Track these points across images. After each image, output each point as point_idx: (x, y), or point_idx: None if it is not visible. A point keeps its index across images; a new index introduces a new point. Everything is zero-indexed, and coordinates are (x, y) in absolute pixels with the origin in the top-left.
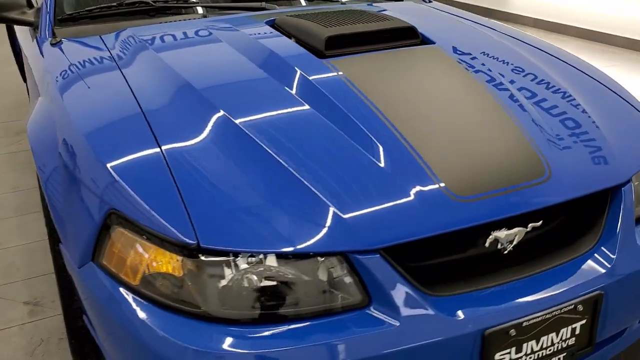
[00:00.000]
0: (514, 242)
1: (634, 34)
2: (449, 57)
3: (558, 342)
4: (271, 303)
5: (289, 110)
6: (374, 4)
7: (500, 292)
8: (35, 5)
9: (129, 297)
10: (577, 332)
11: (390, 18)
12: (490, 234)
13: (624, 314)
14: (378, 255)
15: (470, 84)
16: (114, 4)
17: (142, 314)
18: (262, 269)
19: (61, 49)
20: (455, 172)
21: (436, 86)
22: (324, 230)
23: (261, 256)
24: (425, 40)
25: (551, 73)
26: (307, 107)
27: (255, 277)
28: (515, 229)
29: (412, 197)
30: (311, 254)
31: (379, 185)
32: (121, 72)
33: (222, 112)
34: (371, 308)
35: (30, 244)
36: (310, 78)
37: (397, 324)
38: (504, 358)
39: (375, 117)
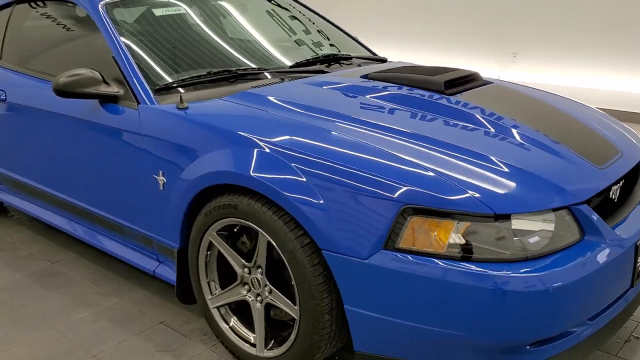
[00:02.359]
0: (617, 194)
1: None
2: (512, 88)
3: None
4: (533, 245)
5: (446, 125)
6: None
7: (631, 219)
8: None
9: (441, 261)
10: None
11: (456, 68)
12: (611, 189)
13: None
14: (586, 205)
15: (541, 104)
16: (204, 73)
17: (459, 268)
18: (525, 224)
19: (199, 111)
20: (588, 153)
21: (527, 106)
22: (555, 193)
23: (519, 215)
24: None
25: (567, 104)
26: (456, 121)
27: (518, 229)
28: (617, 185)
29: (580, 169)
30: (551, 209)
31: (559, 164)
32: (286, 116)
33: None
34: (585, 238)
35: (98, 312)
36: (450, 105)
37: (606, 245)
38: (638, 261)
39: (519, 123)
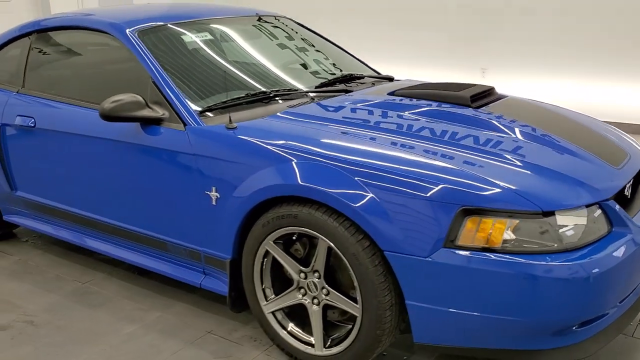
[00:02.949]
0: (630, 192)
1: None
2: (527, 101)
3: None
4: (571, 238)
5: (484, 135)
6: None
7: None
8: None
9: (496, 255)
10: None
11: (473, 84)
12: (625, 186)
13: None
14: (613, 200)
15: (555, 114)
16: (239, 95)
17: (513, 260)
18: (564, 219)
19: (250, 130)
20: (606, 156)
21: (546, 116)
22: (587, 192)
23: (560, 212)
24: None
25: (573, 114)
26: (491, 131)
27: (559, 224)
28: (629, 183)
29: (604, 170)
30: (585, 205)
31: (587, 167)
32: (335, 132)
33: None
34: (613, 230)
35: (144, 325)
36: (481, 117)
37: (631, 234)
38: None
39: (545, 132)
